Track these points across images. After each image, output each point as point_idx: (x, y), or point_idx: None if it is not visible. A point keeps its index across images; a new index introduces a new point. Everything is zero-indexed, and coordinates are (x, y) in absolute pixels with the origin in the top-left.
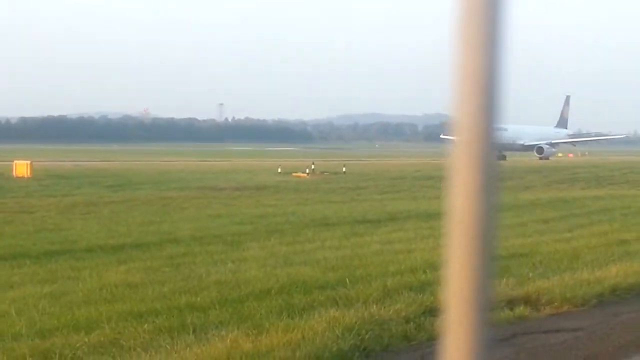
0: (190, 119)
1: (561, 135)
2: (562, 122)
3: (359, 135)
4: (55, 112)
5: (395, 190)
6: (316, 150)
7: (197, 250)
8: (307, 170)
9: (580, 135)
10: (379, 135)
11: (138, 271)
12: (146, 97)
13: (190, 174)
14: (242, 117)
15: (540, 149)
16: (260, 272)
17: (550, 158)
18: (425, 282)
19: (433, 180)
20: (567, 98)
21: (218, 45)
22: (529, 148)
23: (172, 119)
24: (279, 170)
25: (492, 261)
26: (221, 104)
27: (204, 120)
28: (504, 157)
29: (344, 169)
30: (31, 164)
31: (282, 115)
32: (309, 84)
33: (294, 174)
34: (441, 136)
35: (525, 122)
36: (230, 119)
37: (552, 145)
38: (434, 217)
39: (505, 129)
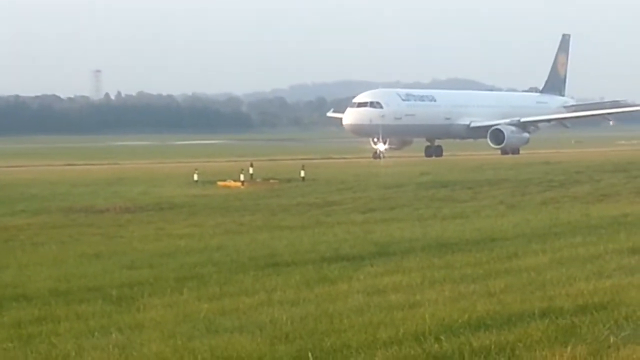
0: (45, 96)
1: (550, 106)
2: (555, 83)
3: (326, 118)
4: None
5: (388, 207)
6: (257, 142)
7: (61, 313)
8: (242, 177)
9: (585, 105)
10: None
11: None
12: None
13: (48, 188)
14: (134, 93)
15: (497, 134)
16: (165, 347)
17: (520, 149)
18: (438, 356)
19: (451, 189)
20: (565, 39)
21: None
22: (480, 132)
23: (17, 97)
24: (196, 177)
25: None
26: (97, 72)
27: (69, 99)
28: (438, 150)
29: (302, 173)
30: None
31: (197, 88)
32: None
33: (220, 183)
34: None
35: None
36: (113, 96)
37: (524, 126)
38: (451, 248)
39: (432, 99)
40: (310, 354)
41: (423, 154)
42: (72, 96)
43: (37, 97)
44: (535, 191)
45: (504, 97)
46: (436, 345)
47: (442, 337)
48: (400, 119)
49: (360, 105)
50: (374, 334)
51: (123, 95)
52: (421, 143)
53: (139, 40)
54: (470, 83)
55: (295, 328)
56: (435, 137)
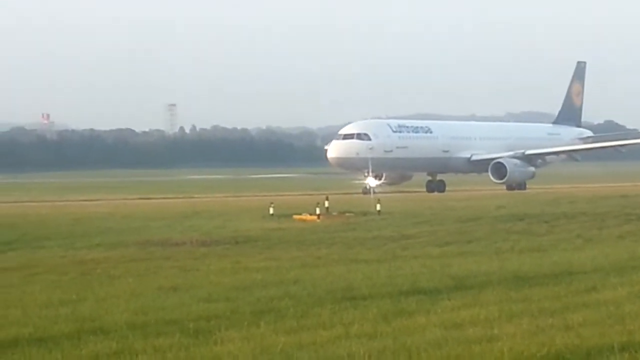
0: (120, 130)
1: (563, 137)
2: (570, 113)
3: None
4: None
5: (465, 240)
6: (332, 175)
7: (139, 347)
8: (318, 210)
9: (604, 137)
10: None
11: None
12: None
13: (124, 221)
14: (208, 127)
15: (499, 168)
16: None
17: (525, 184)
18: None
19: (527, 222)
20: (580, 67)
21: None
22: (482, 165)
23: (92, 131)
24: (271, 210)
25: None
26: (172, 105)
27: (144, 133)
28: (440, 185)
29: (378, 207)
30: None
31: (272, 122)
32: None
33: (296, 217)
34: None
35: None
36: (187, 130)
37: (529, 159)
38: (529, 281)
39: (428, 130)
40: None
41: (424, 189)
42: (147, 130)
43: (112, 130)
44: (613, 224)
45: (511, 128)
46: None
47: None
48: (390, 151)
49: (346, 137)
50: None
51: (198, 129)
52: (423, 178)
53: (214, 74)
54: (546, 116)
55: None
56: (433, 171)
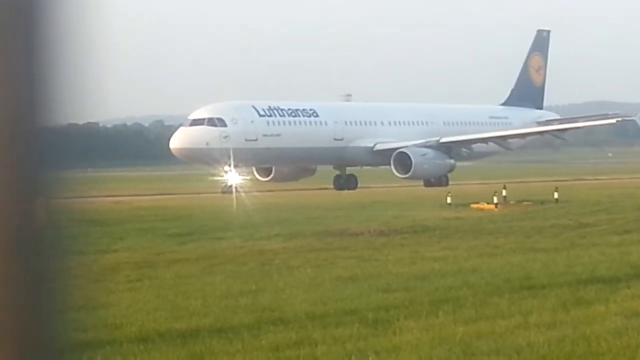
0: None
1: (512, 122)
2: (526, 93)
3: (578, 139)
4: None
5: None
6: (508, 164)
7: (318, 337)
8: (496, 199)
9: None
10: (612, 136)
11: None
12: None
13: (302, 211)
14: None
15: (403, 159)
16: None
17: (447, 179)
18: None
19: None
20: (541, 36)
21: None
22: (386, 156)
23: None
24: (449, 200)
25: None
26: (348, 96)
27: None
28: (350, 181)
29: (555, 195)
30: None
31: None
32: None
33: (473, 205)
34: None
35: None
36: None
37: (447, 148)
38: None
39: (313, 113)
40: None
41: (330, 185)
42: None
43: None
44: None
45: (435, 111)
46: None
47: None
48: (255, 140)
49: (194, 123)
50: (634, 357)
51: None
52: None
53: (388, 66)
54: None
55: (552, 351)
56: (323, 164)
